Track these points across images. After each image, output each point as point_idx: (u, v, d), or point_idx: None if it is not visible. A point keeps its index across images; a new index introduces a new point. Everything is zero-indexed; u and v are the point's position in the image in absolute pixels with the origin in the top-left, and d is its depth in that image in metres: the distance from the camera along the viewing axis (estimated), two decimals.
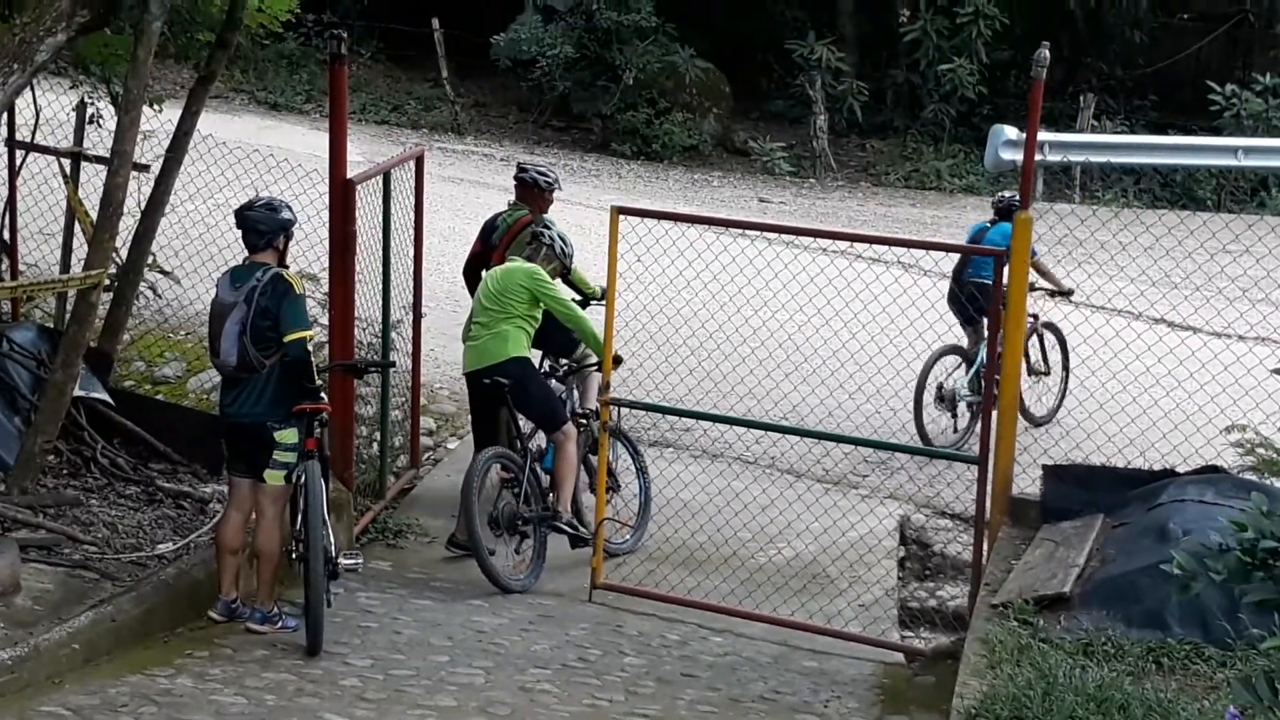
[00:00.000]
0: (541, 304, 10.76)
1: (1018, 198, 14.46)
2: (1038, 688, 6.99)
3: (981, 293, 12.03)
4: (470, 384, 10.98)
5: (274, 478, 8.94)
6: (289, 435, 8.90)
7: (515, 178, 12.07)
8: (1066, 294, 13.52)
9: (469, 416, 12.32)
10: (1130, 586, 8.02)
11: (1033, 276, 11.06)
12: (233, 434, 9.09)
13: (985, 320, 11.22)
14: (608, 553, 10.78)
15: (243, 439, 9.03)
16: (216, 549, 9.10)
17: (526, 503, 10.59)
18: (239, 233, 9.20)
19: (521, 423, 10.94)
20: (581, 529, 10.82)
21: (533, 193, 11.80)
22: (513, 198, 11.99)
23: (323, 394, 9.09)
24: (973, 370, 12.83)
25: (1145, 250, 13.95)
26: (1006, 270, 9.57)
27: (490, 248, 11.69)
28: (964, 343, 13.25)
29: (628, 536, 11.24)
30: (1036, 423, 12.77)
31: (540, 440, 11.17)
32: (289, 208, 9.26)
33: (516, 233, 11.50)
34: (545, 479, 10.94)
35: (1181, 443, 10.57)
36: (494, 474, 10.69)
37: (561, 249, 11.00)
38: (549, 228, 11.18)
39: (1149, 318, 14.79)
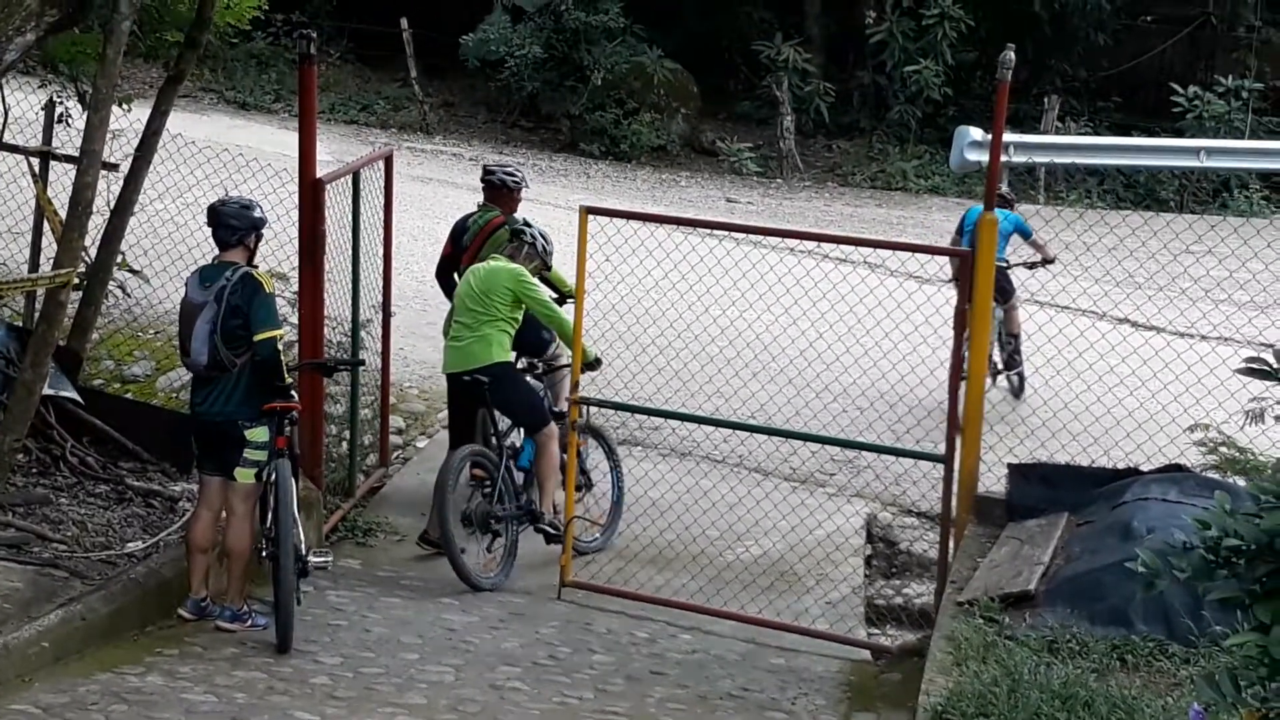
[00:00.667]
0: (524, 305, 10.78)
1: (1011, 190, 15.34)
2: (1003, 685, 7.06)
3: (1000, 274, 12.07)
4: (451, 383, 10.99)
5: (245, 475, 8.96)
6: (260, 433, 8.93)
7: (483, 180, 12.06)
8: (1049, 261, 13.68)
9: (441, 414, 12.38)
10: (1095, 584, 8.09)
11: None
12: (203, 432, 9.11)
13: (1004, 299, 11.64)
14: (577, 551, 10.82)
15: (213, 437, 9.04)
16: (187, 547, 9.11)
17: (500, 501, 10.61)
18: (210, 230, 9.21)
19: (499, 420, 10.95)
20: (562, 529, 10.80)
21: (501, 193, 11.82)
22: (481, 199, 12.00)
23: (293, 392, 9.12)
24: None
25: (1109, 251, 14.07)
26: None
27: (461, 250, 11.69)
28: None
29: (597, 535, 11.28)
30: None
31: (516, 439, 11.19)
32: (260, 207, 9.29)
33: (488, 234, 11.46)
34: (520, 477, 10.97)
35: (1145, 441, 10.66)
36: (467, 472, 10.69)
37: (543, 247, 11.01)
38: (529, 226, 11.18)
39: (1113, 317, 14.92)
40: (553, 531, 10.73)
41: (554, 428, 10.90)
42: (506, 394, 10.80)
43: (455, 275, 11.39)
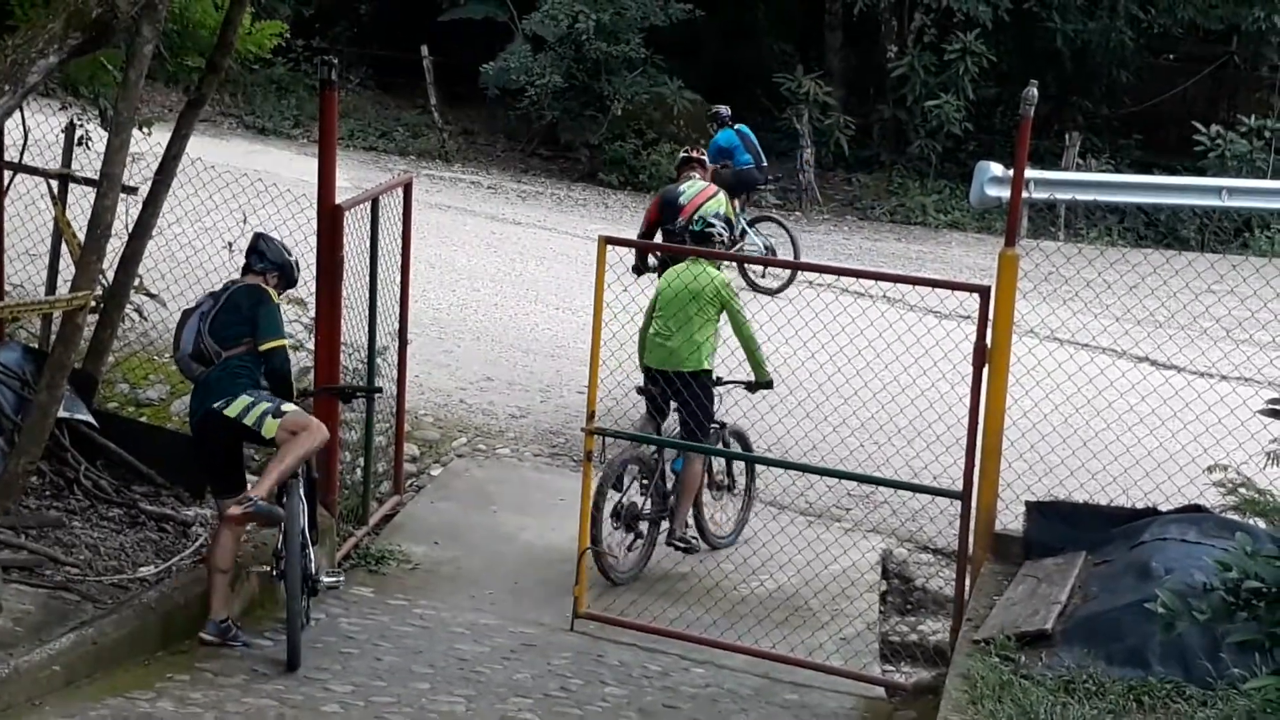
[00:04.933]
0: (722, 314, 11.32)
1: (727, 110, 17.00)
2: None
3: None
4: (648, 375, 11.49)
5: (271, 429, 8.83)
6: (240, 405, 8.83)
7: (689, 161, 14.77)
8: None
9: (455, 442, 12.41)
10: (1112, 624, 8.02)
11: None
12: (197, 442, 9.15)
13: None
14: (713, 546, 11.59)
15: (202, 442, 9.06)
16: (208, 569, 9.09)
17: (650, 502, 11.19)
18: (244, 256, 9.43)
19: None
20: (692, 541, 11.41)
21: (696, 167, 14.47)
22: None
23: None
24: None
25: (1130, 289, 14.02)
26: None
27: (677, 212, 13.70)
28: None
29: (728, 532, 11.83)
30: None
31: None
32: (296, 261, 9.52)
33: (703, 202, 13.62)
34: (670, 481, 11.49)
35: (1164, 481, 10.59)
36: (627, 471, 11.17)
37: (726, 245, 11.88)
38: (713, 225, 11.88)
39: (1133, 356, 14.85)
40: (682, 546, 11.30)
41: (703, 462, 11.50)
42: (695, 400, 11.24)
43: (664, 275, 11.81)
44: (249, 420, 8.85)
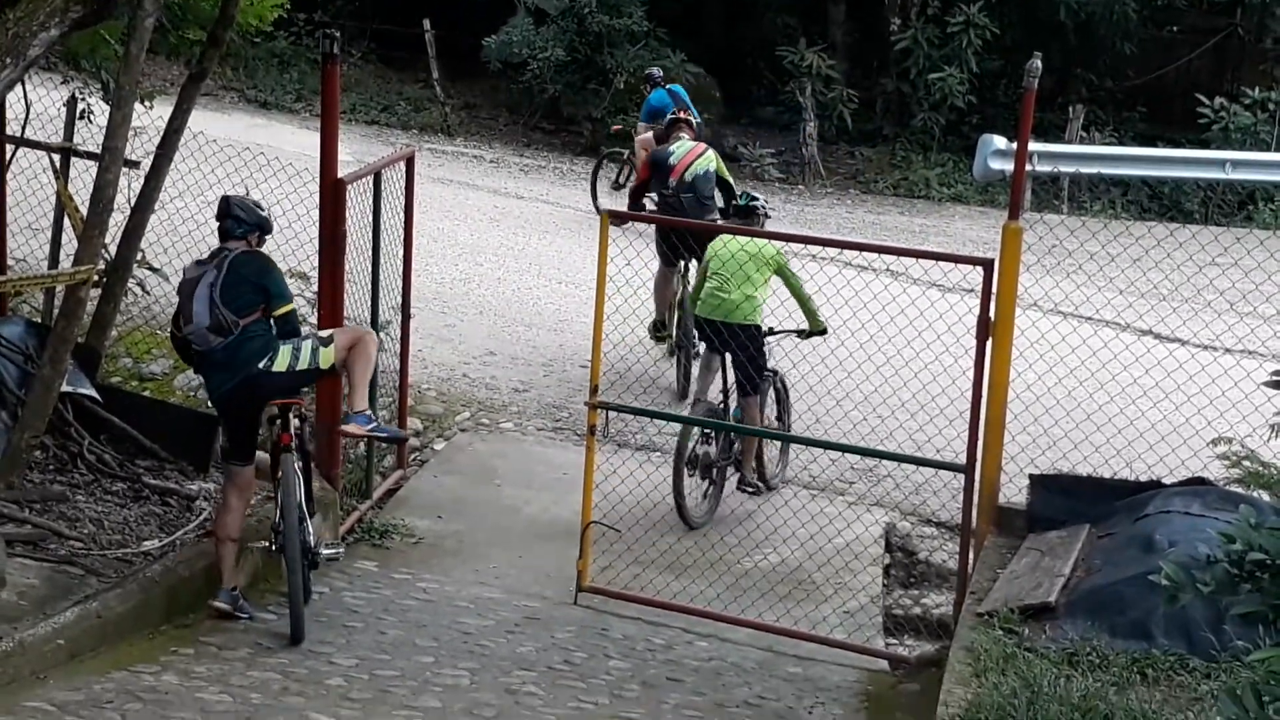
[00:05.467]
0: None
1: (659, 71, 17.91)
2: (1022, 697, 7.00)
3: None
4: (701, 326, 12.09)
5: (325, 358, 9.03)
6: (284, 355, 8.94)
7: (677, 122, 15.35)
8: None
9: (460, 416, 12.45)
10: (1116, 597, 8.03)
11: None
12: (227, 412, 9.16)
13: None
14: (769, 488, 12.13)
15: (237, 412, 9.08)
16: (216, 538, 9.11)
17: (721, 450, 11.79)
18: (216, 222, 9.29)
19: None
20: (759, 483, 12.09)
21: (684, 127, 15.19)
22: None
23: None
24: None
25: (1134, 262, 13.99)
26: None
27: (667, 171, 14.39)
28: None
29: (776, 473, 12.38)
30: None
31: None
32: (269, 213, 9.43)
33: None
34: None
35: (1168, 454, 10.59)
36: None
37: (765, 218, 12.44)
38: (758, 198, 12.47)
39: (1137, 329, 14.84)
40: (751, 490, 11.97)
41: (757, 398, 11.96)
42: (749, 353, 11.74)
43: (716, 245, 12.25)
44: (302, 363, 8.95)
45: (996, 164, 22.12)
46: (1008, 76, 26.84)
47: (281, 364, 8.92)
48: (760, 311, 11.93)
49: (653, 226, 14.66)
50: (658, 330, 14.60)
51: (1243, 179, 22.94)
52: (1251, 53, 28.42)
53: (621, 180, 21.04)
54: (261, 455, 9.39)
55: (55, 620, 8.08)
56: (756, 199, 12.40)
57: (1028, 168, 12.09)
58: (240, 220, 9.15)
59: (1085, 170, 22.94)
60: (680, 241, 13.67)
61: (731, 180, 14.90)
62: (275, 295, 9.03)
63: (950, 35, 26.44)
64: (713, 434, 11.78)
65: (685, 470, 11.52)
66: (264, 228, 9.28)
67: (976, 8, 26.14)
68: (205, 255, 9.31)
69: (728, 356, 12.03)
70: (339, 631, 9.13)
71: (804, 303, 12.07)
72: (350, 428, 9.28)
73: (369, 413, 9.41)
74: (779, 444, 12.53)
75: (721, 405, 12.06)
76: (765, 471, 12.26)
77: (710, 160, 14.65)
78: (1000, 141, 22.13)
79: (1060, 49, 27.05)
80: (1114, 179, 24.07)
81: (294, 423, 9.02)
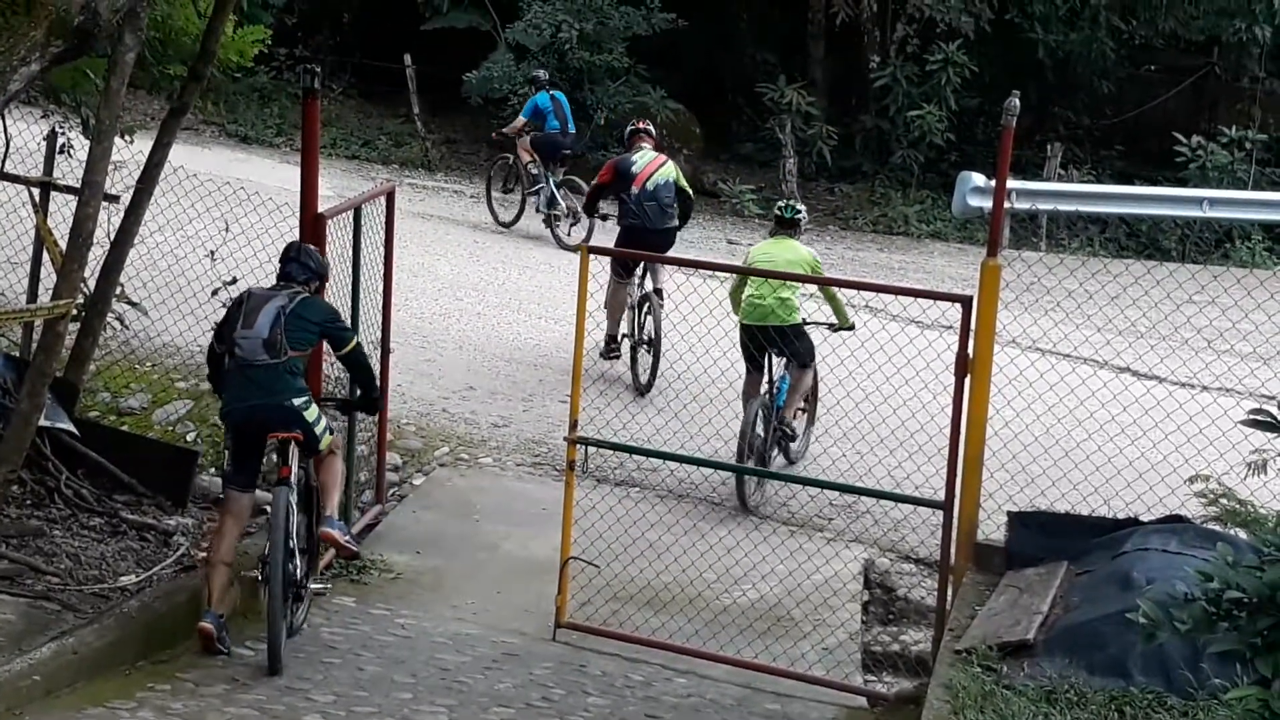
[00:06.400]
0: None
1: (545, 74, 21.06)
2: None
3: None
4: (747, 332, 12.94)
5: (326, 441, 9.50)
6: (313, 413, 9.37)
7: (637, 132, 16.12)
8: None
9: (439, 451, 12.48)
10: (1094, 634, 8.03)
11: None
12: (242, 433, 9.36)
13: None
14: (792, 449, 13.18)
15: (254, 432, 9.33)
16: (209, 562, 9.17)
17: (770, 433, 12.85)
18: (279, 265, 9.80)
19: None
20: (796, 433, 13.29)
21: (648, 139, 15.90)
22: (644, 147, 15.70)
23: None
24: None
25: (1112, 299, 14.05)
26: None
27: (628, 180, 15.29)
28: None
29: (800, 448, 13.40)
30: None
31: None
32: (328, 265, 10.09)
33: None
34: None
35: (1145, 492, 10.61)
36: (760, 417, 12.74)
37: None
38: (800, 209, 13.59)
39: (1114, 366, 14.87)
40: (789, 431, 13.11)
41: (810, 370, 13.17)
42: (794, 346, 12.89)
43: (758, 252, 13.47)
44: (316, 429, 9.39)
45: (975, 201, 22.18)
46: (986, 114, 26.92)
47: (309, 415, 9.34)
48: (797, 311, 13.00)
49: (612, 238, 15.71)
50: (609, 347, 15.30)
51: (1220, 217, 23.02)
52: (1228, 92, 28.55)
53: (509, 185, 22.69)
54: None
55: (31, 656, 8.06)
56: (800, 210, 13.54)
57: (1006, 205, 12.11)
58: (305, 267, 9.68)
59: (1063, 208, 23.02)
60: (640, 247, 14.65)
61: (689, 190, 15.84)
62: (343, 339, 9.71)
63: (929, 73, 26.53)
64: (769, 419, 12.88)
65: (745, 453, 12.45)
66: (324, 277, 9.91)
67: (955, 46, 26.24)
68: (274, 284, 9.70)
69: (770, 355, 12.97)
70: (317, 667, 9.10)
71: (835, 303, 13.27)
72: (333, 533, 9.41)
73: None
74: (807, 418, 13.48)
75: (769, 396, 12.99)
76: (795, 430, 13.30)
77: (670, 171, 15.55)
78: (979, 179, 22.19)
79: (1038, 87, 27.15)
80: (1092, 216, 24.16)
81: (293, 456, 9.19)
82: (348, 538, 9.60)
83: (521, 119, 21.81)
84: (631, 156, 15.69)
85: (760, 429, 12.79)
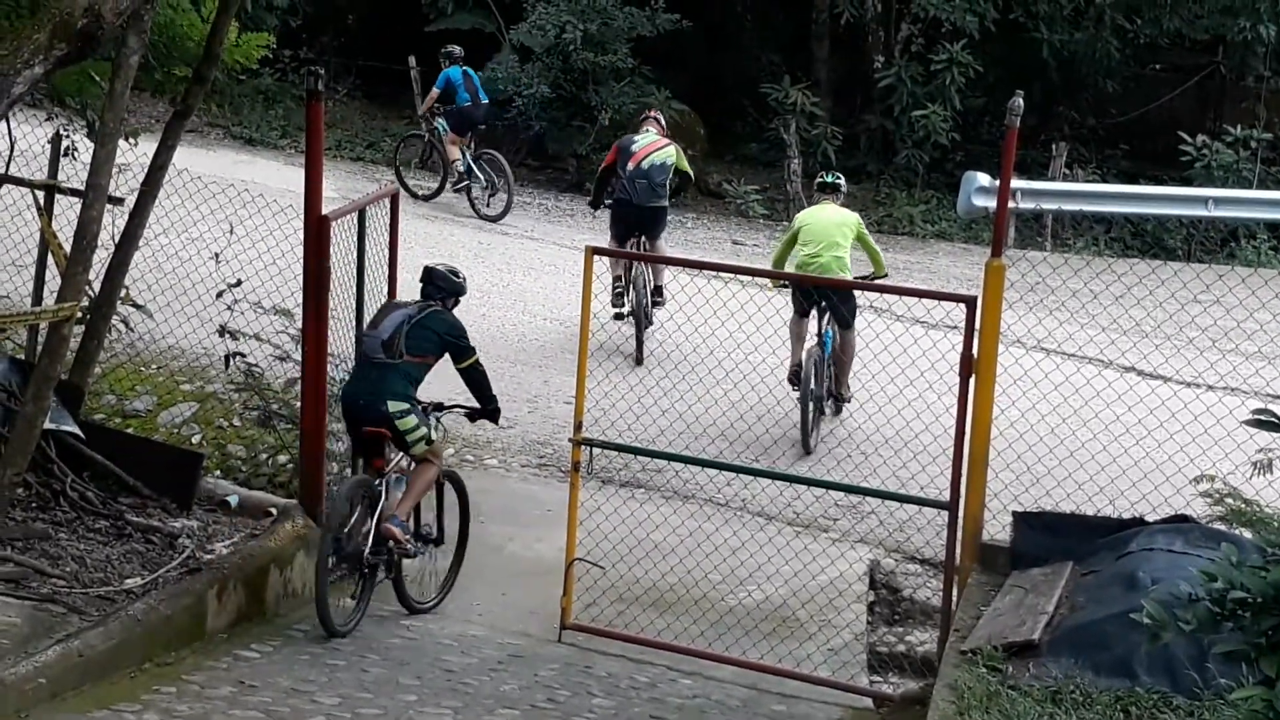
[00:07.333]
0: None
1: (459, 50, 22.10)
2: None
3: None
4: (799, 288, 14.07)
5: (419, 449, 10.39)
6: (409, 421, 10.19)
7: (647, 118, 16.96)
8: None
9: (446, 452, 12.47)
10: (1099, 634, 8.03)
11: None
12: (346, 419, 10.53)
13: None
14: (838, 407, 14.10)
15: (351, 424, 10.44)
16: (417, 490, 10.49)
17: (821, 383, 13.85)
18: (420, 285, 10.65)
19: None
20: (846, 398, 14.35)
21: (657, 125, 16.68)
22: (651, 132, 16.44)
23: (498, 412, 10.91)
24: None
25: (1116, 299, 14.04)
26: None
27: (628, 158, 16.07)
28: None
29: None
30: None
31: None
32: (464, 278, 10.84)
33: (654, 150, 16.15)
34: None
35: (1151, 491, 10.60)
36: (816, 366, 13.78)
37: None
38: (840, 177, 15.05)
39: (1119, 366, 14.86)
40: (845, 399, 14.26)
41: (853, 331, 14.11)
42: (847, 306, 13.98)
43: (808, 216, 14.69)
44: (407, 435, 10.24)
45: (980, 201, 22.12)
46: (991, 114, 26.94)
47: (404, 425, 10.22)
48: (849, 267, 14.14)
49: (609, 213, 16.73)
50: (616, 297, 16.21)
51: (1225, 216, 22.97)
52: (1233, 91, 28.54)
53: (425, 159, 23.80)
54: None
55: (37, 659, 8.05)
56: (839, 178, 15.03)
57: (1011, 205, 12.12)
58: (439, 288, 10.58)
59: (1068, 207, 22.98)
60: (626, 220, 16.10)
61: (690, 172, 16.76)
62: (463, 352, 10.45)
63: (934, 73, 26.53)
64: (821, 376, 13.90)
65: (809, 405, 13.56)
66: (457, 294, 10.70)
67: (960, 46, 26.24)
68: (414, 302, 10.60)
69: (823, 305, 13.95)
70: (321, 670, 9.10)
71: (875, 255, 14.53)
72: (394, 529, 10.25)
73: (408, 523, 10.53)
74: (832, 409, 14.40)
75: (819, 349, 13.99)
76: (844, 393, 14.38)
77: (670, 154, 16.27)
78: (984, 179, 22.13)
79: (1043, 87, 27.15)
80: (1097, 216, 24.13)
81: (388, 450, 10.35)
82: (407, 537, 10.34)
83: (436, 90, 22.62)
84: (634, 136, 16.55)
85: (813, 382, 13.70)
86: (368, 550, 10.05)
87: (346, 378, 11.10)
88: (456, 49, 22.97)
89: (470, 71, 22.71)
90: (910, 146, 26.93)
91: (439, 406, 10.69)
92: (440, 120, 22.55)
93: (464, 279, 10.85)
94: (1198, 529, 9.24)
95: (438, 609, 10.77)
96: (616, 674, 9.88)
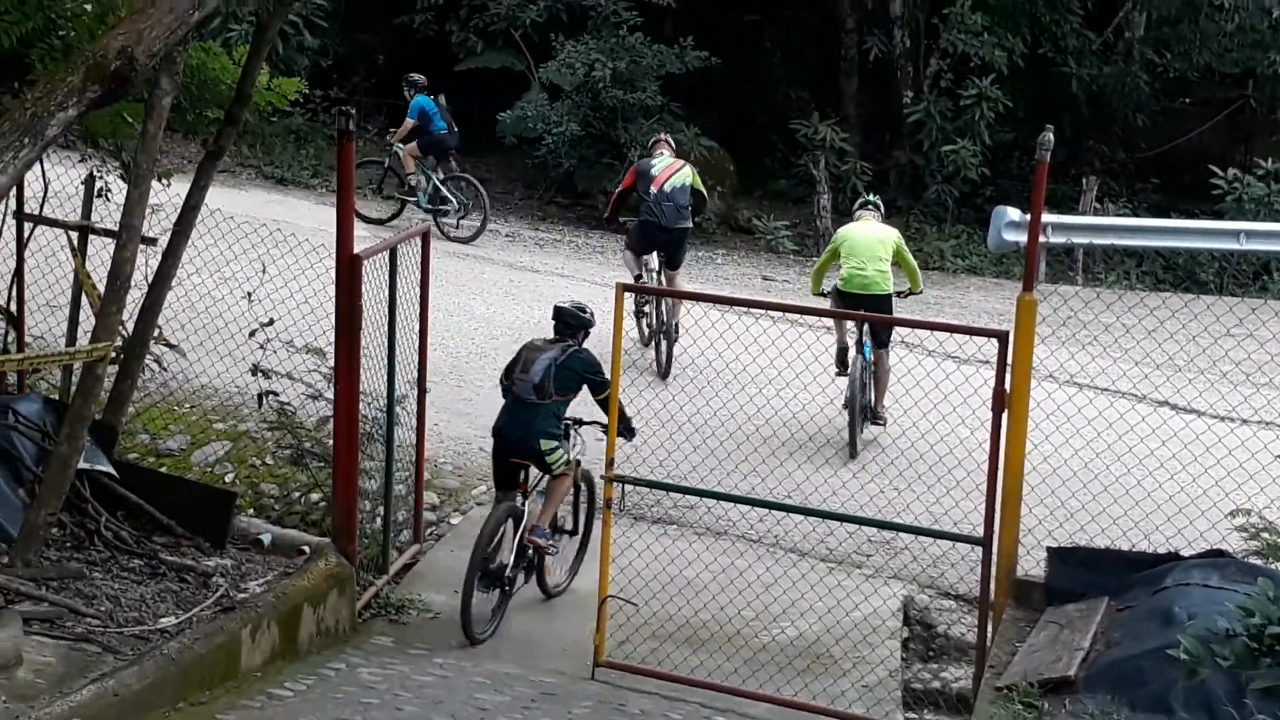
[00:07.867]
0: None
1: (424, 79, 22.67)
2: None
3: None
4: (849, 298, 14.42)
5: (559, 468, 11.22)
6: (550, 444, 11.08)
7: (659, 141, 17.42)
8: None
9: (476, 490, 12.55)
10: (1135, 670, 7.98)
11: None
12: (496, 451, 11.29)
13: None
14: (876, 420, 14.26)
15: (499, 457, 11.24)
16: (555, 498, 11.34)
17: (865, 390, 14.27)
18: (553, 323, 11.51)
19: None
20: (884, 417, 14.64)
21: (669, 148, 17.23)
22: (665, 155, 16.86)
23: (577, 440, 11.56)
24: None
25: (1149, 333, 13.99)
26: None
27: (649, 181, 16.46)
28: None
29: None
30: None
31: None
32: (592, 312, 11.59)
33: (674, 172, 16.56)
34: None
35: (1186, 526, 10.55)
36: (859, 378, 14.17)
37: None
38: (875, 194, 15.73)
39: (1153, 400, 14.81)
40: (882, 422, 14.44)
41: (888, 349, 14.62)
42: (885, 313, 14.31)
43: (851, 231, 14.99)
44: (551, 461, 11.15)
45: (1010, 236, 21.96)
46: (1020, 149, 26.90)
47: (552, 459, 11.12)
48: (891, 281, 14.62)
49: (626, 231, 17.36)
50: (640, 308, 16.63)
51: (1257, 249, 22.79)
52: (1264, 124, 28.49)
53: (380, 187, 23.93)
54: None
55: (72, 698, 8.06)
56: (876, 197, 15.72)
57: (1041, 239, 12.07)
58: (568, 324, 11.42)
59: (1099, 241, 22.83)
60: (651, 241, 16.41)
61: (704, 191, 17.01)
62: (600, 387, 11.11)
63: (963, 108, 26.53)
64: (867, 384, 14.38)
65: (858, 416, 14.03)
66: (587, 328, 11.51)
67: (989, 80, 26.24)
68: (551, 337, 11.43)
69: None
70: (355, 708, 9.09)
71: (912, 272, 14.92)
72: (537, 539, 11.20)
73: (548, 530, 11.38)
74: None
75: (860, 355, 14.40)
76: (881, 412, 14.68)
77: (687, 175, 16.70)
78: (1014, 213, 21.97)
79: (1073, 121, 27.14)
80: (1128, 250, 24.07)
81: (529, 477, 11.27)
82: (549, 542, 11.34)
83: (410, 121, 22.85)
84: (652, 160, 16.93)
85: (860, 392, 14.17)
86: (509, 567, 10.96)
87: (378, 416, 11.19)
88: (420, 77, 23.36)
89: (440, 100, 23.11)
90: (940, 181, 26.92)
91: (579, 422, 11.51)
92: (397, 144, 22.97)
93: (591, 313, 11.57)
94: (1233, 564, 9.18)
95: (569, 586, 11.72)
96: (650, 711, 9.86)
